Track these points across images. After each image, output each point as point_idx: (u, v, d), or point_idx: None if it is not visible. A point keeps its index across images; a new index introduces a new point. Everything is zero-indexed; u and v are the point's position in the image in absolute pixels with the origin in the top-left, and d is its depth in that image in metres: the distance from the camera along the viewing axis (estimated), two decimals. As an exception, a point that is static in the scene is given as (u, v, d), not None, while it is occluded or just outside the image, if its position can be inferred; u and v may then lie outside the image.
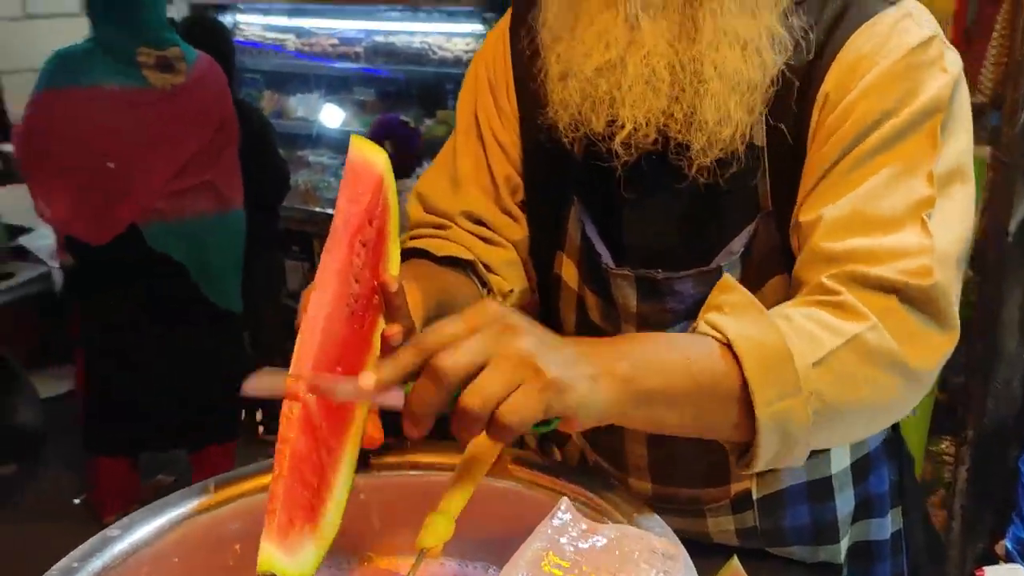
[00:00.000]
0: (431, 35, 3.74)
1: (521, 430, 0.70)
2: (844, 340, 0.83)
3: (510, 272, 1.11)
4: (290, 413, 0.69)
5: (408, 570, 0.77)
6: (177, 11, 4.12)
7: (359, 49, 3.98)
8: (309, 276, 3.20)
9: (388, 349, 0.79)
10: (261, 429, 3.63)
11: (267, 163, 3.30)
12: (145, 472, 3.13)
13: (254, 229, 2.91)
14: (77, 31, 5.37)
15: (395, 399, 0.70)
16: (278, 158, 3.44)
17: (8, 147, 6.90)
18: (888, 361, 0.85)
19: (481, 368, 0.69)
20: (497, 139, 1.11)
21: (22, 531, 2.96)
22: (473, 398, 0.68)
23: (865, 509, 1.15)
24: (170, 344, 2.72)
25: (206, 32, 3.49)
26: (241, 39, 4.16)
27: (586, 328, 1.10)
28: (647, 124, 0.93)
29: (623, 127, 0.93)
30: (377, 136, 3.35)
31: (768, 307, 0.85)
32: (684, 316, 1.00)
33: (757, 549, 1.14)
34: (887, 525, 1.17)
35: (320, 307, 0.72)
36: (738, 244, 0.98)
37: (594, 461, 1.18)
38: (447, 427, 0.71)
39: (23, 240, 4.28)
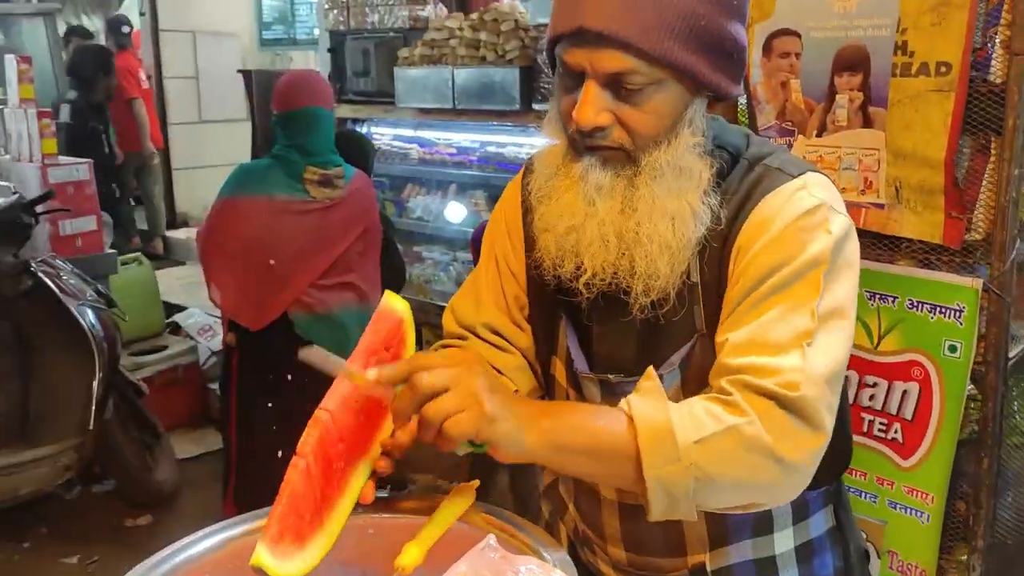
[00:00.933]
0: (536, 146, 4.07)
1: (457, 441, 1.03)
2: (724, 427, 1.07)
3: (517, 375, 1.37)
4: (296, 465, 1.02)
5: None
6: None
7: (473, 157, 4.38)
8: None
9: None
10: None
11: (388, 258, 3.69)
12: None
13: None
14: (240, 133, 6.05)
15: (386, 394, 1.05)
16: (397, 254, 3.78)
17: (174, 233, 7.69)
18: (759, 448, 1.07)
19: (444, 391, 1.01)
20: (509, 267, 1.38)
21: None
22: (430, 409, 1.02)
23: None
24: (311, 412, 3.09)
25: (353, 143, 3.99)
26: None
27: None
28: (602, 271, 1.18)
29: (584, 272, 1.19)
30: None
31: None
32: None
33: None
34: None
35: (333, 395, 1.05)
36: (676, 358, 1.22)
37: (583, 531, 1.44)
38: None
39: (177, 317, 4.84)
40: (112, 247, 4.41)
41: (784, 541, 1.33)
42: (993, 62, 1.81)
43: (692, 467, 1.06)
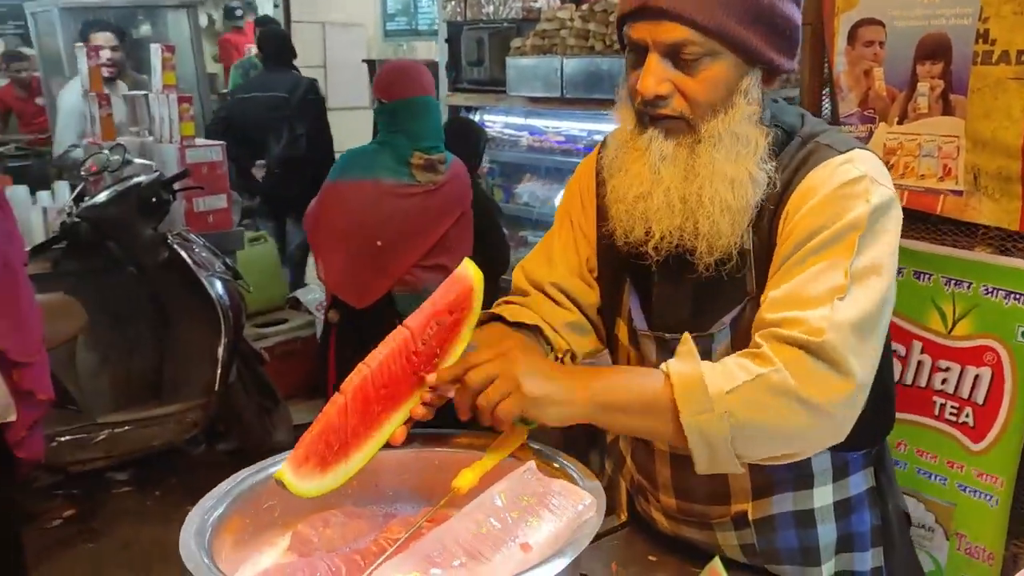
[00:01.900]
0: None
1: (509, 421, 1.20)
2: (752, 376, 1.18)
3: (574, 332, 1.50)
4: (335, 400, 1.16)
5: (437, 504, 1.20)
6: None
7: (580, 145, 4.50)
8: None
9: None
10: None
11: (494, 241, 3.80)
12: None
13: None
14: (362, 119, 6.33)
15: (448, 391, 1.22)
16: (503, 237, 3.93)
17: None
18: (786, 393, 1.17)
19: (491, 382, 1.18)
20: (582, 230, 1.51)
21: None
22: (481, 400, 1.19)
23: (847, 543, 1.44)
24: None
25: (465, 130, 4.18)
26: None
27: None
28: (670, 234, 1.30)
29: (653, 236, 1.31)
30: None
31: None
32: None
33: (760, 567, 1.48)
34: (868, 560, 1.46)
35: (386, 345, 1.22)
36: (728, 318, 1.33)
37: (638, 480, 1.56)
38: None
39: (297, 292, 5.15)
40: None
41: (823, 496, 1.42)
42: (1076, 50, 1.82)
43: (726, 415, 1.17)
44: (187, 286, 3.84)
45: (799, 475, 1.41)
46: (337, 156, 3.55)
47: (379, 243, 3.09)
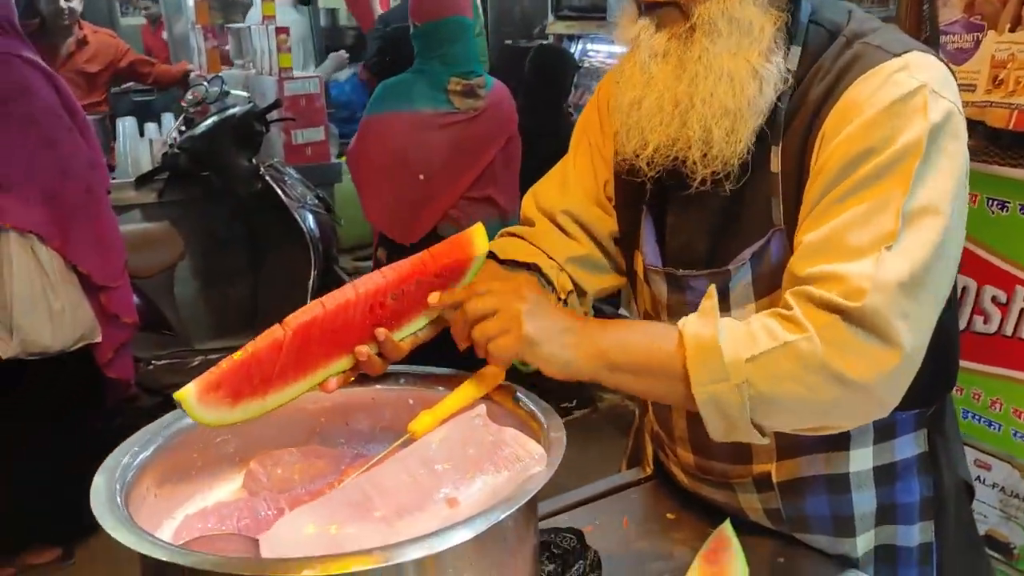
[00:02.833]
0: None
1: (503, 361, 1.08)
2: (778, 344, 1.01)
3: (580, 268, 1.35)
4: (273, 332, 1.03)
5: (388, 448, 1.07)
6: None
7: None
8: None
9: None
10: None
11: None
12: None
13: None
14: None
15: (450, 315, 1.13)
16: None
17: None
18: (816, 366, 1.00)
19: (491, 315, 1.06)
20: (600, 152, 1.35)
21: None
22: (477, 331, 1.07)
23: (889, 514, 1.25)
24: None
25: (552, 58, 4.00)
26: (586, 65, 4.63)
27: (645, 315, 1.33)
28: (663, 147, 1.13)
29: (646, 148, 1.15)
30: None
31: None
32: None
33: (788, 535, 1.30)
34: (914, 534, 1.26)
35: (352, 289, 1.10)
36: (748, 253, 1.14)
37: (657, 431, 1.40)
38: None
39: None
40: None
41: (861, 460, 1.23)
42: None
43: (744, 385, 1.01)
44: (280, 217, 3.85)
45: (833, 435, 1.21)
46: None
47: (421, 177, 2.97)
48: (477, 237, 1.17)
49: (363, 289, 1.10)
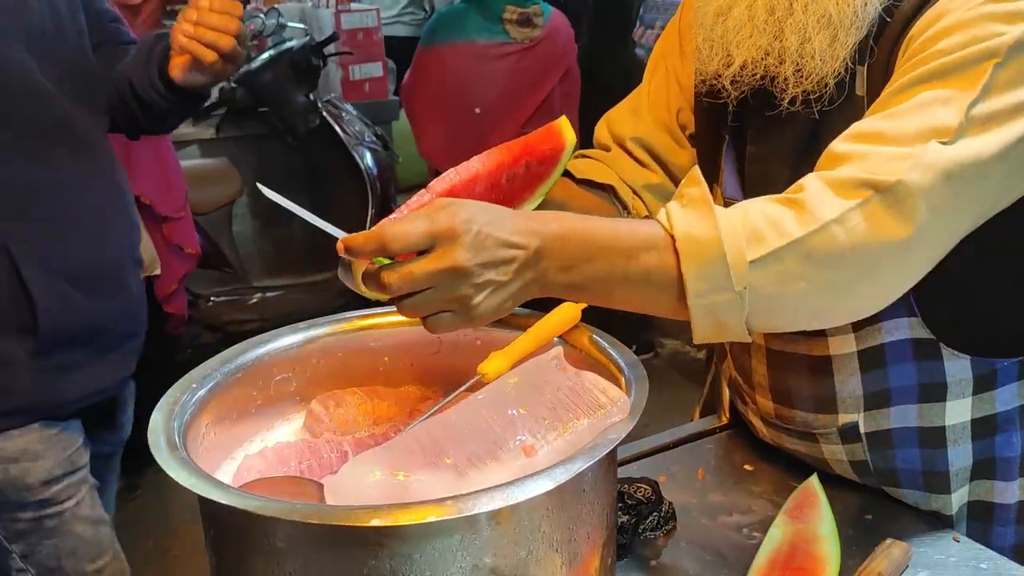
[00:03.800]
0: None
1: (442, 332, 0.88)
2: (787, 242, 0.89)
3: (653, 196, 1.28)
4: (421, 197, 0.98)
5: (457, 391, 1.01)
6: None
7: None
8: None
9: None
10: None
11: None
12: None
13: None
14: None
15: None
16: None
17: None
18: (832, 262, 0.89)
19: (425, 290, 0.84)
20: (677, 78, 1.28)
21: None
22: (403, 308, 0.85)
23: (986, 469, 1.16)
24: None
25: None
26: None
27: None
28: (752, 63, 1.03)
29: (732, 65, 1.05)
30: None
31: None
32: None
33: (875, 488, 1.22)
34: (1013, 491, 1.17)
35: (480, 163, 1.05)
36: None
37: (734, 377, 1.32)
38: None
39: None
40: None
41: (959, 411, 1.14)
42: None
43: (746, 291, 0.89)
44: (337, 155, 3.80)
45: (928, 384, 1.13)
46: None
47: (477, 110, 2.89)
48: (565, 129, 1.10)
49: (488, 164, 1.05)
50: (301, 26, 4.07)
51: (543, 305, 1.09)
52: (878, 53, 1.01)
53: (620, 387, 0.94)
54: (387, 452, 0.87)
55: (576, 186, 1.24)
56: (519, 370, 0.95)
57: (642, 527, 1.15)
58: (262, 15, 4.08)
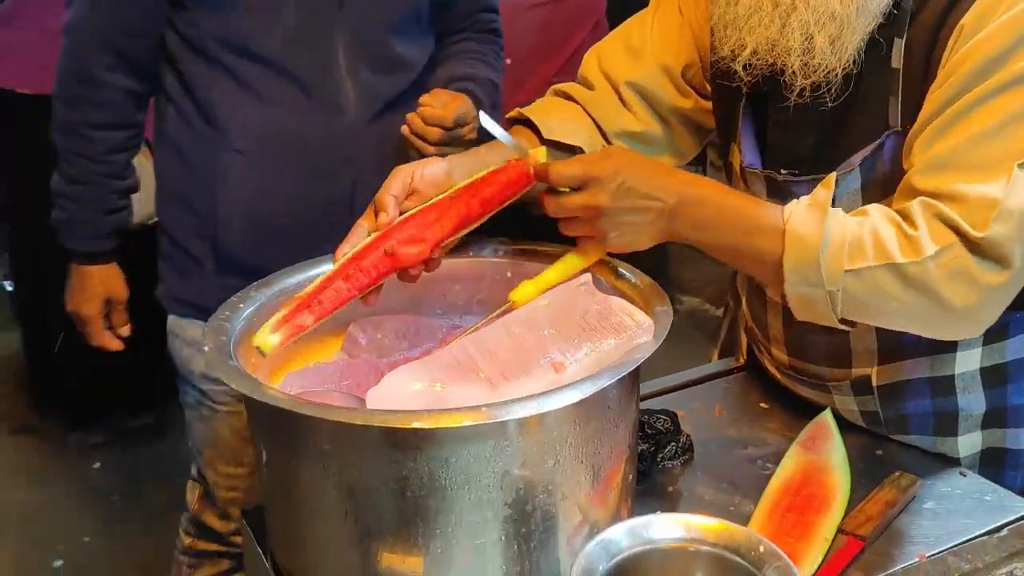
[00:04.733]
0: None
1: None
2: (885, 262, 0.97)
3: (626, 143, 1.26)
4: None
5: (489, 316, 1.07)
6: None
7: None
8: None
9: None
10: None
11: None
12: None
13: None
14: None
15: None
16: None
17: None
18: (922, 290, 0.97)
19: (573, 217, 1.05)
20: (692, 24, 1.25)
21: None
22: (564, 228, 1.07)
23: (999, 417, 1.20)
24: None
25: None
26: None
27: None
28: (761, 49, 1.04)
29: (743, 50, 1.06)
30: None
31: None
32: None
33: (881, 435, 1.26)
34: None
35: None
36: (858, 158, 1.06)
37: (751, 327, 1.37)
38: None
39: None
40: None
41: (968, 361, 1.18)
42: None
43: (839, 292, 0.99)
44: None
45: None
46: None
47: (508, 61, 2.89)
48: (536, 155, 1.12)
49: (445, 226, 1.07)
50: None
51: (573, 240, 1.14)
52: (919, 27, 1.02)
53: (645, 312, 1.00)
54: (425, 365, 0.93)
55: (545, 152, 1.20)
56: (550, 295, 1.00)
57: (660, 456, 1.20)
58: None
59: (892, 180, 1.05)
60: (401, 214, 1.06)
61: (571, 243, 1.14)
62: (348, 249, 1.03)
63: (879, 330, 1.17)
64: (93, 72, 1.45)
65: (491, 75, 1.66)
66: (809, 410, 1.32)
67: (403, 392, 0.90)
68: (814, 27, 1.01)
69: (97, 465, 2.92)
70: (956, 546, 1.07)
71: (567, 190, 1.04)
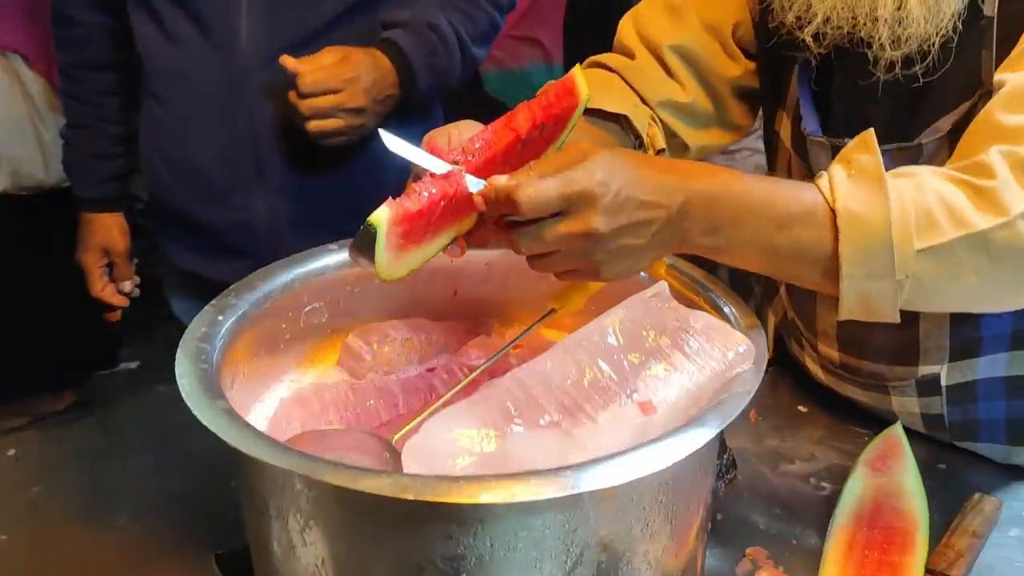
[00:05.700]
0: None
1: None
2: (965, 233, 0.79)
3: (678, 119, 1.12)
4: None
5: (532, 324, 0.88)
6: None
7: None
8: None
9: None
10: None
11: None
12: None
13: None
14: None
15: None
16: None
17: None
18: (1011, 258, 0.80)
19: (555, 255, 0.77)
20: None
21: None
22: (536, 265, 0.79)
23: None
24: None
25: None
26: None
27: None
28: (835, 18, 0.90)
29: (814, 19, 0.91)
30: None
31: None
32: None
33: (943, 441, 1.13)
34: None
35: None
36: (947, 122, 0.91)
37: (792, 319, 1.21)
38: None
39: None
40: None
41: None
42: None
43: (908, 279, 0.80)
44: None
45: (1020, 329, 1.03)
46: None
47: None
48: (580, 84, 0.90)
49: (505, 136, 0.86)
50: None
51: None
52: None
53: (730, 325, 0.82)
54: (473, 408, 0.73)
55: (582, 119, 1.01)
56: (621, 310, 0.81)
57: (706, 477, 1.04)
58: None
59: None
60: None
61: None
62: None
63: (955, 324, 1.02)
64: (68, 10, 1.53)
65: (439, 19, 1.42)
66: (854, 413, 1.18)
67: (449, 446, 0.69)
68: None
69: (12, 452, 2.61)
70: (1054, 581, 0.95)
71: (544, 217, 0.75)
